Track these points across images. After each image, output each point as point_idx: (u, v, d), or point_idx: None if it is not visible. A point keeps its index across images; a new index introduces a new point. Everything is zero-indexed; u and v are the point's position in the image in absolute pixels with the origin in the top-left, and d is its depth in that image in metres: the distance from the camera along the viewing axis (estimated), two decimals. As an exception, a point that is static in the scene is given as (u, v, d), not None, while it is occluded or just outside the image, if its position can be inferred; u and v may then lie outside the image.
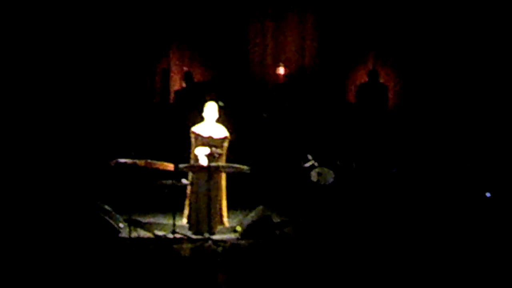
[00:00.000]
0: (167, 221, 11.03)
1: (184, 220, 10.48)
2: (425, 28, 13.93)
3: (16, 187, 12.04)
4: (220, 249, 9.62)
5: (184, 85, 14.10)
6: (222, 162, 10.30)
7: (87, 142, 13.38)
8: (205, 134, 10.29)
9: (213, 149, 10.04)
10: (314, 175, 12.07)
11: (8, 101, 13.23)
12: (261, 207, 10.69)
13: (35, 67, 13.55)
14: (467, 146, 13.23)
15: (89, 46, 13.88)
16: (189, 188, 10.37)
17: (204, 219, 10.14)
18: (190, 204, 10.42)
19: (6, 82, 13.31)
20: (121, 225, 10.45)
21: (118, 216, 10.59)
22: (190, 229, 10.43)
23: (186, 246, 9.88)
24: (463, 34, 13.79)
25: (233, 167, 10.10)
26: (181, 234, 10.14)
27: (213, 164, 9.98)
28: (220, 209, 10.46)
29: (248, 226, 10.42)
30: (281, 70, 14.19)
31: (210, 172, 10.02)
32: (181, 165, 9.98)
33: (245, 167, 9.99)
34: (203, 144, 10.22)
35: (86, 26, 13.84)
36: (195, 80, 14.10)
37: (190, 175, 10.38)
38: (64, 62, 13.72)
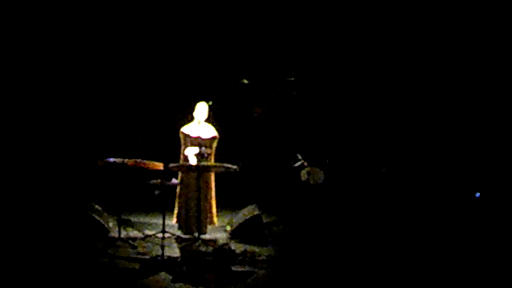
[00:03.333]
0: (156, 220, 11.05)
1: (174, 220, 10.50)
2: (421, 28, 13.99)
3: (6, 186, 12.03)
4: (209, 248, 9.63)
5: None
6: (211, 162, 10.32)
7: (76, 142, 13.38)
8: (194, 134, 10.32)
9: (202, 148, 10.06)
10: (303, 175, 12.11)
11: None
12: (252, 205, 10.71)
13: (27, 67, 13.56)
14: (456, 145, 13.27)
15: (86, 42, 13.90)
16: (178, 187, 10.40)
17: (194, 218, 10.17)
18: (179, 204, 10.45)
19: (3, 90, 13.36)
20: (110, 224, 10.47)
21: (107, 215, 10.62)
22: (179, 228, 10.46)
23: (176, 245, 9.89)
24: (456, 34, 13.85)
25: (222, 167, 10.11)
26: (171, 233, 10.16)
27: (202, 163, 10.00)
28: (210, 208, 10.49)
29: (238, 225, 10.44)
30: None
31: (200, 171, 10.04)
32: (170, 165, 9.99)
33: (234, 166, 9.99)
34: (192, 144, 10.25)
35: (75, 22, 13.84)
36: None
37: (179, 174, 10.40)
38: (56, 60, 13.74)
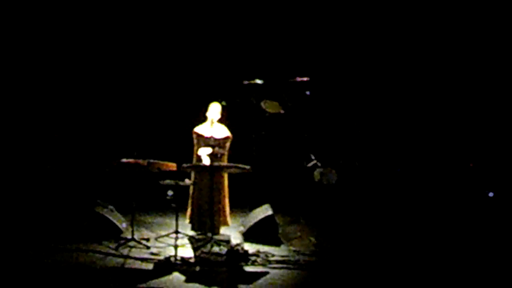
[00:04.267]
0: (170, 220, 11.06)
1: (187, 220, 10.51)
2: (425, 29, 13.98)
3: (19, 188, 12.06)
4: (223, 248, 9.63)
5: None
6: (224, 162, 10.32)
7: (90, 142, 13.41)
8: (207, 134, 10.31)
9: (216, 149, 10.06)
10: (317, 175, 12.07)
11: (12, 102, 13.30)
12: (265, 205, 10.70)
13: (35, 67, 13.61)
14: (470, 145, 13.23)
15: (100, 46, 13.97)
16: (191, 188, 10.39)
17: (207, 219, 10.16)
18: (192, 204, 10.45)
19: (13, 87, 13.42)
20: (124, 224, 10.49)
21: (121, 215, 10.64)
22: (193, 228, 10.46)
23: (189, 246, 9.89)
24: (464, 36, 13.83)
25: (235, 167, 10.10)
26: (184, 234, 10.16)
27: (215, 164, 10.01)
28: (223, 208, 10.48)
29: (251, 226, 10.43)
30: None
31: (213, 172, 10.04)
32: (184, 165, 9.99)
33: (247, 167, 9.98)
34: (206, 144, 10.24)
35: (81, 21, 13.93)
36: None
37: (192, 175, 10.39)
38: (66, 60, 13.80)
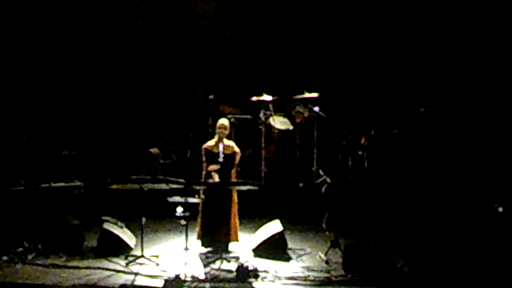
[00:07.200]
0: (179, 237, 11.05)
1: (197, 237, 10.50)
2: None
3: (26, 203, 12.07)
4: (232, 265, 9.64)
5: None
6: (233, 178, 10.33)
7: (100, 157, 13.45)
8: (216, 150, 10.31)
9: (224, 165, 10.10)
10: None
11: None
12: (275, 221, 10.70)
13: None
14: (479, 160, 13.21)
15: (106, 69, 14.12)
16: (201, 204, 10.39)
17: (216, 235, 10.18)
18: (202, 221, 10.45)
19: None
20: (133, 241, 10.51)
21: (130, 232, 10.66)
22: (202, 245, 10.46)
23: (199, 262, 9.90)
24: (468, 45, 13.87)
25: (244, 183, 10.11)
26: (194, 250, 10.16)
27: (224, 180, 10.02)
28: (233, 224, 10.47)
29: (261, 242, 10.42)
30: None
31: (222, 188, 10.05)
32: (193, 182, 10.01)
33: (256, 183, 9.99)
34: (214, 161, 10.24)
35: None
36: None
37: (202, 191, 10.40)
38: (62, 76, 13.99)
